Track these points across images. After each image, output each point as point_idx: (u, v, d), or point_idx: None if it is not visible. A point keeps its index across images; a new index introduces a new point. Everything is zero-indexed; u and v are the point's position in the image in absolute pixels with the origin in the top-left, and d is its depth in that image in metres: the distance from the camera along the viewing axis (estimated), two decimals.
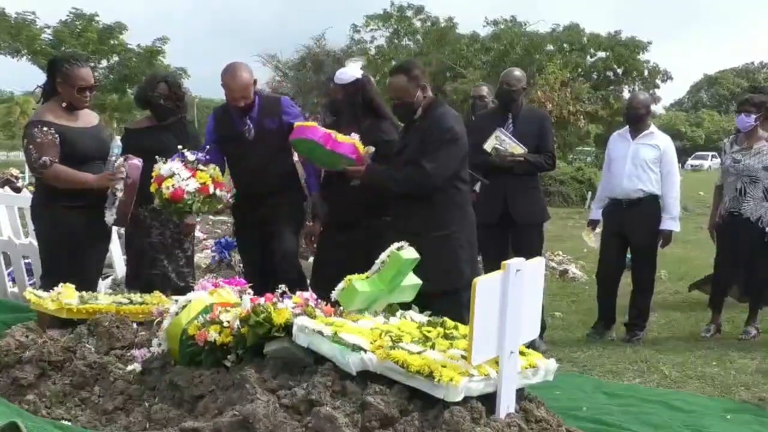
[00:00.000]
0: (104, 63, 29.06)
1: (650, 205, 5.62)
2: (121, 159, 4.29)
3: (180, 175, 3.98)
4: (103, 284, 5.32)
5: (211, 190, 4.07)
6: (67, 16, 28.45)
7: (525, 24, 30.59)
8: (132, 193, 4.20)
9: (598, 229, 6.01)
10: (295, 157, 4.78)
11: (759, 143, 5.64)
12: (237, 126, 4.42)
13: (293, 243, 4.59)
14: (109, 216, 4.21)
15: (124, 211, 4.23)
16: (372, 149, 4.24)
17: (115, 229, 5.12)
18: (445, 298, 3.82)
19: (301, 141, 4.30)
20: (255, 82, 4.38)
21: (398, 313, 3.10)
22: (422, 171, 3.97)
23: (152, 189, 4.03)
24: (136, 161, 4.21)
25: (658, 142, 5.70)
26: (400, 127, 4.39)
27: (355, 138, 4.23)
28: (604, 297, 5.89)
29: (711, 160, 42.24)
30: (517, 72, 5.44)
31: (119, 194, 4.14)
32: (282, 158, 4.56)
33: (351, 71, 4.55)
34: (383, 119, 4.52)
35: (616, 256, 5.79)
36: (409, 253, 3.11)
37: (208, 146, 4.39)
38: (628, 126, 5.82)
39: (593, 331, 5.81)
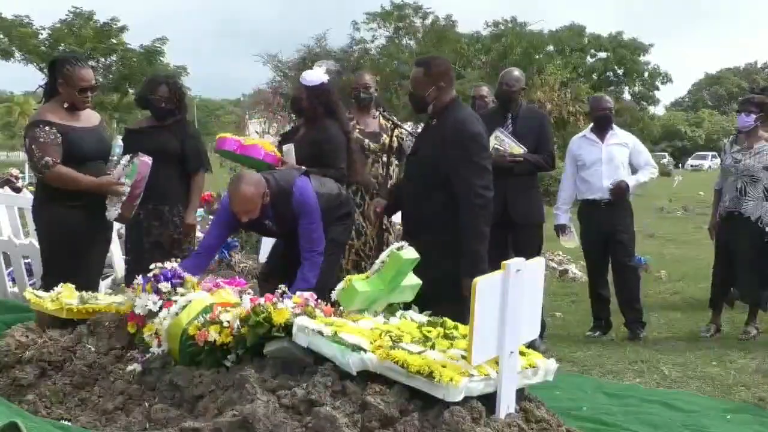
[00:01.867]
0: (102, 61, 29.13)
1: (626, 202, 5.78)
2: (127, 157, 4.32)
3: (162, 318, 3.16)
4: (103, 284, 5.33)
5: None
6: (66, 15, 28.54)
7: (525, 24, 30.65)
8: (140, 189, 4.22)
9: (569, 227, 6.00)
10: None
11: (759, 143, 5.64)
12: (259, 221, 4.13)
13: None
14: (113, 211, 4.20)
15: (129, 207, 4.23)
16: (291, 146, 4.47)
17: (115, 229, 5.13)
18: (453, 304, 3.66)
19: (223, 152, 4.52)
20: (264, 195, 3.92)
21: (398, 313, 3.10)
22: (473, 204, 3.82)
23: (130, 330, 3.23)
24: (146, 159, 4.25)
25: (626, 141, 5.84)
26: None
27: (267, 140, 4.37)
28: (599, 297, 5.87)
29: (711, 160, 42.17)
30: (516, 72, 5.43)
31: (126, 189, 4.15)
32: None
33: (317, 75, 4.69)
34: (336, 121, 4.75)
35: (602, 256, 5.84)
36: (409, 253, 3.11)
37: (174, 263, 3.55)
38: (592, 129, 5.87)
39: (592, 334, 5.77)
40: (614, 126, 5.88)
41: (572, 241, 5.96)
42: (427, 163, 3.96)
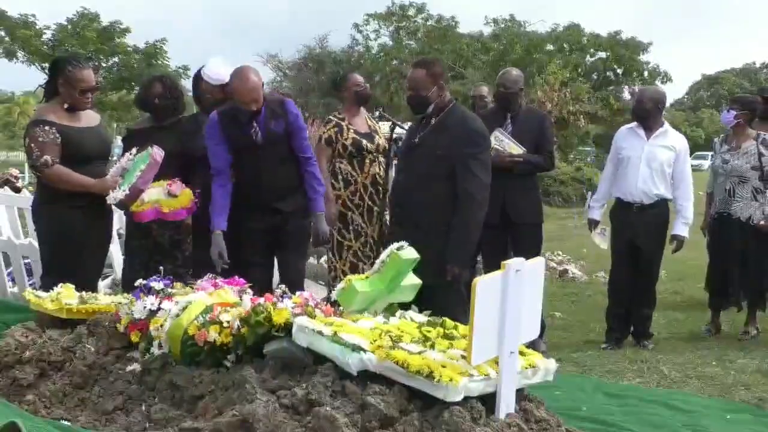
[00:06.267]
0: (105, 63, 29.18)
1: (662, 210, 5.40)
2: (134, 150, 4.33)
3: (166, 309, 3.09)
4: (103, 284, 5.33)
5: None
6: (73, 15, 28.59)
7: (524, 24, 30.69)
8: (153, 174, 4.22)
9: (605, 227, 5.79)
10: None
11: (747, 143, 5.60)
12: (245, 131, 4.30)
13: (300, 271, 4.61)
14: (120, 192, 4.16)
15: (137, 193, 4.21)
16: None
17: (115, 228, 5.12)
18: (444, 289, 3.94)
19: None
20: (262, 84, 4.29)
21: (398, 313, 3.10)
22: (477, 198, 4.08)
23: (134, 338, 3.12)
24: (159, 150, 4.26)
25: (673, 143, 5.38)
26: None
27: (181, 189, 4.46)
28: (618, 309, 5.55)
29: (711, 159, 42.10)
30: (514, 73, 5.38)
31: (137, 175, 4.16)
32: (289, 164, 4.45)
33: (225, 70, 4.57)
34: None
35: (628, 264, 5.48)
36: (409, 253, 3.11)
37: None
38: (636, 122, 5.48)
39: (608, 346, 5.45)
40: (666, 124, 5.45)
41: (604, 241, 5.63)
42: (432, 156, 4.13)
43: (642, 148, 5.35)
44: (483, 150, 4.15)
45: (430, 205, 4.10)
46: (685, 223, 5.42)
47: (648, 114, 5.39)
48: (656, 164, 5.31)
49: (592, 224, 5.69)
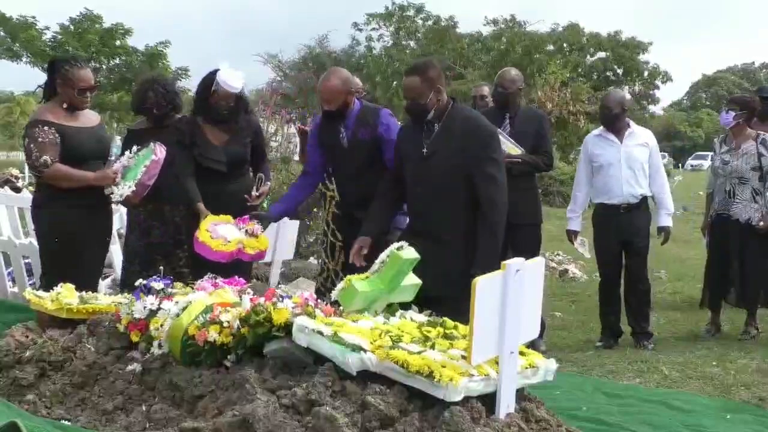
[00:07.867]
0: (105, 64, 29.18)
1: (645, 207, 5.51)
2: (135, 148, 4.36)
3: (166, 309, 3.08)
4: (103, 284, 5.33)
5: None
6: (77, 15, 28.58)
7: (524, 24, 30.71)
8: (157, 170, 4.25)
9: (583, 239, 5.82)
10: None
11: (747, 143, 5.60)
12: (334, 131, 4.37)
13: None
14: (126, 189, 4.18)
15: (143, 189, 4.24)
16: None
17: (115, 228, 5.12)
18: (452, 302, 3.78)
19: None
20: (351, 92, 4.31)
21: (398, 313, 3.10)
22: (499, 202, 3.96)
23: (134, 338, 3.10)
24: (162, 146, 4.33)
25: (645, 140, 5.51)
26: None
27: (256, 230, 4.36)
28: (611, 307, 5.62)
29: (711, 160, 42.16)
30: (513, 72, 5.36)
31: (142, 171, 4.19)
32: (372, 174, 4.36)
33: (238, 77, 4.57)
34: (251, 114, 4.98)
35: (617, 265, 5.56)
36: (409, 253, 3.11)
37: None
38: (603, 127, 5.55)
39: (602, 345, 5.54)
40: (631, 123, 5.56)
41: (586, 251, 5.72)
42: (445, 166, 3.95)
43: (619, 151, 5.43)
44: (495, 148, 4.00)
45: (449, 216, 3.95)
46: (668, 213, 5.53)
47: (616, 118, 5.46)
48: (637, 164, 5.42)
49: (572, 235, 5.71)
